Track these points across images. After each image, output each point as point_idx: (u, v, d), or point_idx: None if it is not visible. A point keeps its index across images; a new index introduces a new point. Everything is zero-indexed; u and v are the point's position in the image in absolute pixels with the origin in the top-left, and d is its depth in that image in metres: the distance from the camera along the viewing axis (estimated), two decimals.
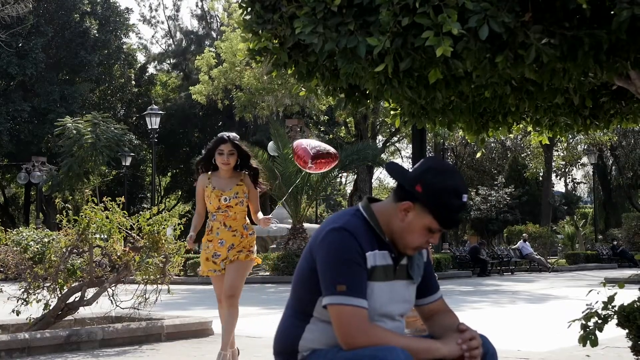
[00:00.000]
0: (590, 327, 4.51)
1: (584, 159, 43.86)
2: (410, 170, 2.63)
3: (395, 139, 39.65)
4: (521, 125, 5.52)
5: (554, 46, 3.10)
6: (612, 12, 3.07)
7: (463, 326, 2.59)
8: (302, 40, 3.40)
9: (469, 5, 2.96)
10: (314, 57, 3.49)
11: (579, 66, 3.38)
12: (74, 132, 25.99)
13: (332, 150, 6.01)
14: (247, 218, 5.83)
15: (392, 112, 5.08)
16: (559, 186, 53.04)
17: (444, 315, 2.76)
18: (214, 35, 47.21)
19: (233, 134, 5.75)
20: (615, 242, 33.56)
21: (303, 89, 4.56)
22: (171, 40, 51.22)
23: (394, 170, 2.66)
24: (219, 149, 5.63)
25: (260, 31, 3.76)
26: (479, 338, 2.56)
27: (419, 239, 2.60)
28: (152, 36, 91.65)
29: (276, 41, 3.78)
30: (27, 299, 7.24)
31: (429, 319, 2.79)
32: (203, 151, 5.96)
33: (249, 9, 3.82)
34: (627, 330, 4.73)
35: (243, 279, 5.76)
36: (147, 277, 7.47)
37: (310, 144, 6.02)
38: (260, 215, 5.76)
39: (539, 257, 28.41)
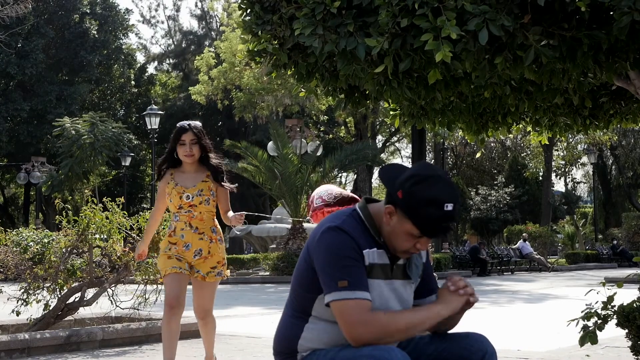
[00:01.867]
0: (590, 327, 4.52)
1: (584, 159, 43.89)
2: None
3: (395, 138, 39.67)
4: (521, 126, 5.52)
5: (553, 47, 3.11)
6: (611, 13, 3.07)
7: (450, 277, 2.65)
8: (301, 42, 3.41)
9: (468, 7, 2.96)
10: (313, 58, 3.50)
11: (578, 67, 3.38)
12: (73, 132, 25.99)
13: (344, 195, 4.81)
14: (215, 220, 5.17)
15: (391, 113, 5.09)
16: (559, 186, 53.06)
17: None
18: (214, 35, 47.22)
19: (195, 122, 5.13)
20: (615, 242, 33.59)
21: (303, 89, 4.55)
22: (171, 40, 51.24)
23: (386, 173, 2.65)
24: (180, 140, 4.99)
25: (259, 32, 3.77)
26: (463, 280, 2.63)
27: (405, 243, 2.59)
28: (152, 36, 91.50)
29: (276, 42, 3.78)
30: (27, 300, 7.24)
31: None
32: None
33: (249, 10, 3.83)
34: (626, 330, 4.74)
35: (214, 297, 5.26)
36: (147, 277, 7.47)
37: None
38: (230, 214, 5.11)
39: (538, 256, 28.42)
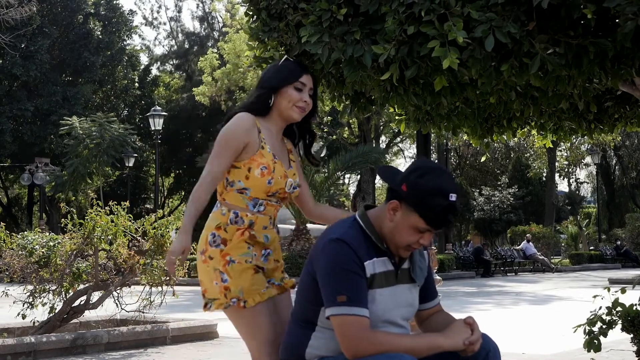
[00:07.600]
0: (595, 332, 4.53)
1: (588, 159, 43.78)
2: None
3: (399, 139, 39.66)
4: (525, 130, 5.53)
5: (559, 55, 3.12)
6: (616, 21, 3.08)
7: (470, 320, 2.61)
8: (308, 50, 3.42)
9: (474, 14, 2.97)
10: (319, 65, 3.50)
11: (584, 73, 3.39)
12: (80, 132, 26.06)
13: None
14: None
15: (397, 118, 5.09)
16: (563, 186, 53.04)
17: (438, 315, 2.82)
18: (216, 35, 47.25)
19: None
20: (618, 242, 33.53)
21: None
22: (173, 41, 51.28)
23: (385, 173, 2.72)
24: (297, 82, 3.13)
25: (266, 39, 3.78)
26: (478, 333, 2.58)
27: (408, 237, 2.61)
28: (155, 38, 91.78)
29: (282, 49, 3.79)
30: (32, 303, 7.27)
31: (423, 322, 2.85)
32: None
33: (255, 16, 3.84)
34: (631, 335, 4.75)
35: None
36: (152, 280, 7.48)
37: None
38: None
39: (542, 257, 28.41)
